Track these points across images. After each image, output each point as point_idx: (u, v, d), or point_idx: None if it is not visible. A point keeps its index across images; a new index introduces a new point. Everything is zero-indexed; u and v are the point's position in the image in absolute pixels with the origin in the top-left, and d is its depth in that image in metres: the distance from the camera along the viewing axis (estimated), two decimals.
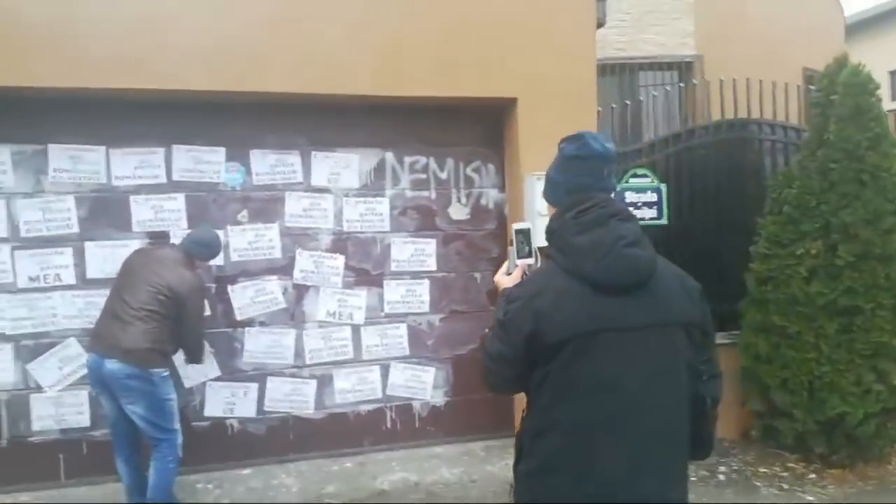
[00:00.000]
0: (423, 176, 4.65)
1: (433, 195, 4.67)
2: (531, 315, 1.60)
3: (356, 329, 4.56)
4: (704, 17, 8.11)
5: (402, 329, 4.64)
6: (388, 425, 4.66)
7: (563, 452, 1.62)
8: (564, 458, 1.61)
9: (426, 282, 4.67)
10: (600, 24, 4.55)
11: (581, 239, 1.63)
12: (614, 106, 5.10)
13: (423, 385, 4.69)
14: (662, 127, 5.87)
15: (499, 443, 4.76)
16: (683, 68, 7.83)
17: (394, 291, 4.61)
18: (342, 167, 4.48)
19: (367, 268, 4.56)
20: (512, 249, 1.93)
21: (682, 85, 5.80)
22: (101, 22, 3.74)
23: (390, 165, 4.58)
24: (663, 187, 4.75)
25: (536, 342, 1.60)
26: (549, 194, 1.83)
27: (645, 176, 4.75)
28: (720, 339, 4.86)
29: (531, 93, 4.37)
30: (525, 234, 1.92)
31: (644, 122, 5.44)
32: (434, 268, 4.68)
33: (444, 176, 4.68)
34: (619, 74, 7.66)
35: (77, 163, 4.04)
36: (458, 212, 4.72)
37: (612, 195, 1.77)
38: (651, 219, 4.74)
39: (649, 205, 4.75)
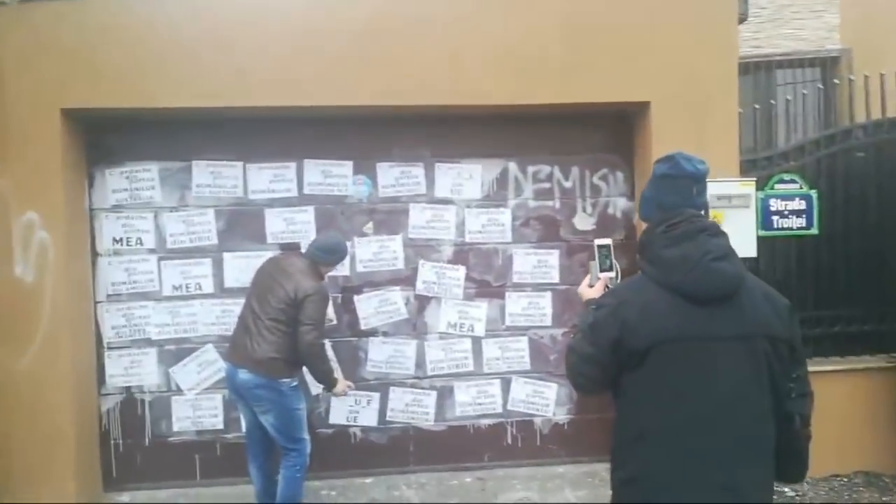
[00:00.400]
0: (547, 185, 4.50)
1: (557, 205, 4.51)
2: (618, 322, 1.72)
3: (477, 341, 4.48)
4: (851, 8, 7.38)
5: (524, 342, 4.51)
6: (509, 441, 4.54)
7: (654, 458, 1.71)
8: (656, 464, 1.71)
9: (549, 294, 4.51)
10: (742, 19, 4.20)
11: (670, 252, 1.74)
12: (757, 107, 4.71)
13: (545, 401, 4.53)
14: (806, 128, 5.37)
15: None
16: (828, 64, 7.16)
17: (515, 304, 4.49)
18: (465, 178, 4.43)
19: (488, 279, 4.48)
20: (594, 263, 2.14)
21: (836, 82, 5.26)
22: (239, 44, 3.91)
23: (513, 175, 4.47)
24: (814, 194, 4.31)
25: (623, 347, 1.72)
26: (643, 210, 1.95)
27: (793, 182, 4.34)
28: (881, 362, 4.38)
29: (665, 95, 4.11)
30: (607, 249, 2.13)
31: (786, 123, 4.98)
32: (557, 280, 4.51)
33: (568, 185, 4.51)
34: (752, 73, 7.14)
35: (217, 178, 4.26)
36: (584, 222, 4.53)
37: (703, 212, 1.84)
38: (799, 228, 4.31)
39: (797, 213, 4.32)
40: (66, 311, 3.86)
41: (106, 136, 4.19)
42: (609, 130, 4.49)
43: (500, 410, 4.51)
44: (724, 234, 1.79)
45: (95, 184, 4.19)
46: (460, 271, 4.44)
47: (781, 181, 4.35)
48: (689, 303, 1.69)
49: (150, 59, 3.86)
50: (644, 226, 1.88)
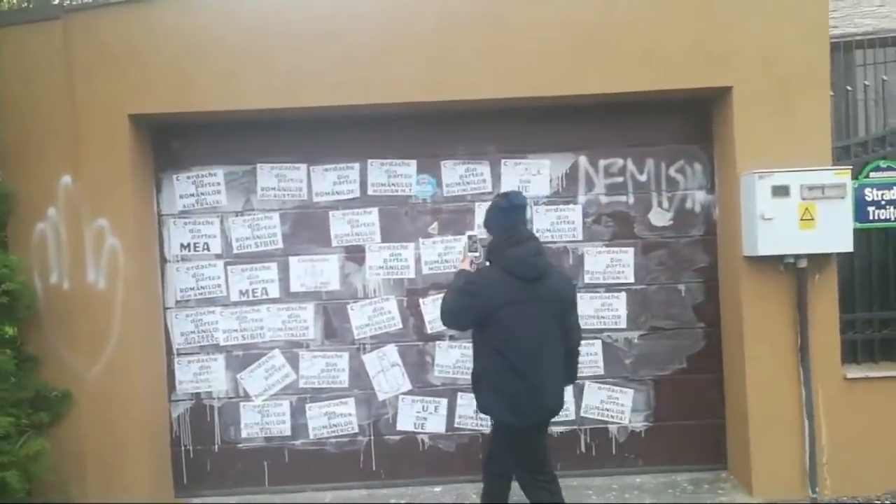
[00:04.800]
0: (620, 179, 4.28)
1: (631, 200, 4.28)
2: (482, 289, 3.03)
3: None
4: None
5: (597, 346, 4.30)
6: (583, 449, 4.33)
7: (505, 378, 3.00)
8: (507, 383, 2.99)
9: (623, 295, 4.29)
10: None
11: (512, 251, 3.03)
12: (849, 88, 4.36)
13: (620, 408, 4.30)
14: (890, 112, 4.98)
15: (709, 475, 4.26)
16: None
17: (587, 305, 4.27)
18: (532, 174, 4.25)
19: None
20: (465, 246, 3.51)
21: None
22: (301, 44, 3.84)
23: (583, 169, 4.27)
24: None
25: (483, 307, 3.00)
26: (492, 229, 3.20)
27: (890, 169, 3.99)
28: None
29: (749, 79, 3.83)
30: (474, 238, 3.44)
31: (871, 106, 4.60)
32: (632, 279, 4.28)
33: (643, 178, 4.28)
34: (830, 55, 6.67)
35: (281, 181, 4.22)
36: (660, 217, 4.28)
37: (527, 224, 3.37)
38: None
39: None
40: (136, 317, 3.87)
41: (172, 142, 4.20)
42: (686, 119, 4.23)
43: (572, 417, 4.31)
44: (536, 240, 3.15)
45: (163, 189, 4.21)
46: None
47: (878, 168, 4.02)
48: (520, 280, 2.99)
49: (216, 62, 3.83)
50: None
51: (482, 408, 3.19)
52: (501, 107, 4.05)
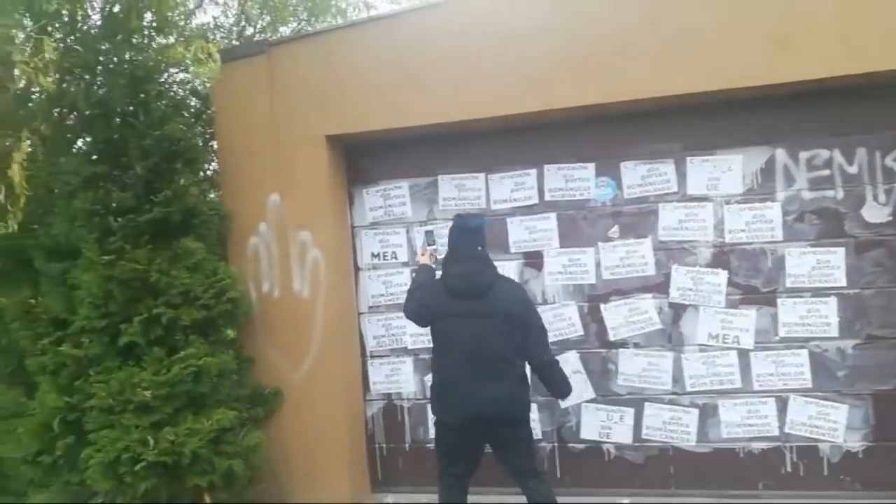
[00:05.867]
0: (826, 172, 3.86)
1: (839, 195, 3.85)
2: (428, 300, 3.41)
3: (744, 354, 3.98)
4: None
5: (803, 356, 3.91)
6: (788, 469, 3.96)
7: (445, 380, 3.35)
8: (446, 384, 3.34)
9: (833, 300, 3.86)
10: None
11: (453, 269, 3.34)
12: None
13: (832, 425, 3.88)
14: None
15: None
16: None
17: (790, 312, 3.91)
18: (722, 171, 3.97)
19: (755, 284, 3.97)
20: (423, 242, 3.85)
21: None
22: (473, 58, 3.93)
23: (781, 164, 3.91)
24: None
25: (427, 315, 3.44)
26: (448, 243, 3.46)
27: None
28: None
29: None
30: (431, 233, 3.84)
31: None
32: (843, 283, 3.84)
33: (853, 170, 3.83)
34: None
35: (461, 190, 4.34)
36: (875, 213, 3.81)
37: (479, 247, 3.38)
38: None
39: None
40: (335, 322, 4.20)
41: (361, 158, 4.49)
42: None
43: (775, 433, 3.96)
44: (481, 261, 3.34)
45: (355, 203, 4.51)
46: (721, 276, 3.99)
47: None
48: (454, 296, 3.28)
49: (396, 83, 4.04)
50: None
51: (435, 413, 3.47)
52: (686, 102, 3.84)
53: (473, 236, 3.36)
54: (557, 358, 3.51)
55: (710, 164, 3.99)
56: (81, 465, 3.52)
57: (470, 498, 3.50)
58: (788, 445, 3.96)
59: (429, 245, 3.67)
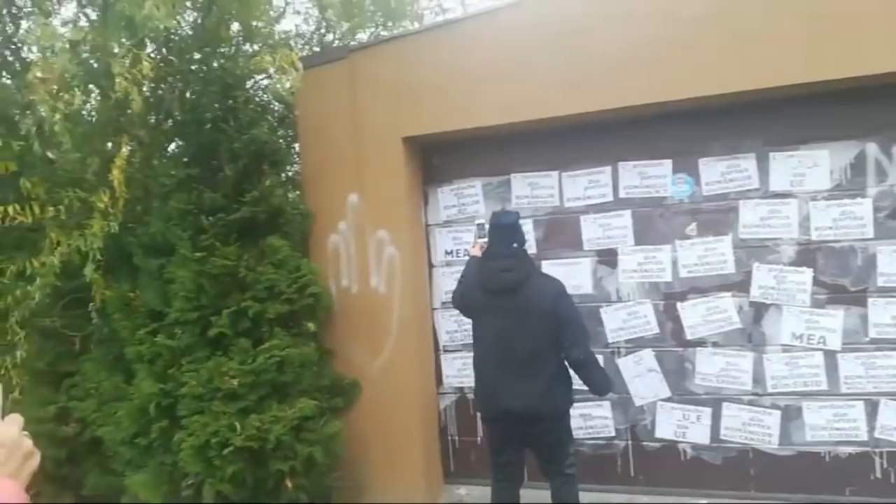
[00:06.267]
0: None
1: None
2: (467, 290, 3.55)
3: (830, 356, 3.84)
4: None
5: (895, 359, 3.74)
6: (878, 475, 3.80)
7: (478, 371, 3.50)
8: (479, 374, 3.50)
9: None
10: None
11: (486, 265, 3.42)
12: None
13: None
14: None
15: None
16: None
17: (882, 312, 3.74)
18: (807, 167, 3.83)
19: (843, 283, 3.82)
20: (475, 235, 3.82)
21: None
22: (559, 52, 3.93)
23: (873, 158, 3.74)
24: None
25: (466, 304, 3.59)
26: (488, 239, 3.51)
27: None
28: None
29: None
30: (482, 226, 3.72)
31: None
32: None
33: None
34: None
35: (534, 189, 4.36)
36: None
37: (515, 244, 3.35)
38: None
39: None
40: (410, 318, 4.31)
41: (434, 158, 4.58)
42: None
43: (864, 438, 3.81)
44: (515, 256, 3.32)
45: (429, 201, 4.61)
46: (806, 274, 3.86)
47: None
48: (487, 292, 3.34)
49: (473, 82, 4.08)
50: None
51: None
52: (768, 96, 3.72)
53: (507, 233, 3.34)
54: (598, 355, 3.61)
55: (795, 159, 3.86)
56: (174, 448, 3.74)
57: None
58: (878, 451, 3.80)
59: (480, 238, 3.71)
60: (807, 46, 3.49)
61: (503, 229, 3.35)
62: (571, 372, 3.38)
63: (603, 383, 3.39)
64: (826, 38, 3.46)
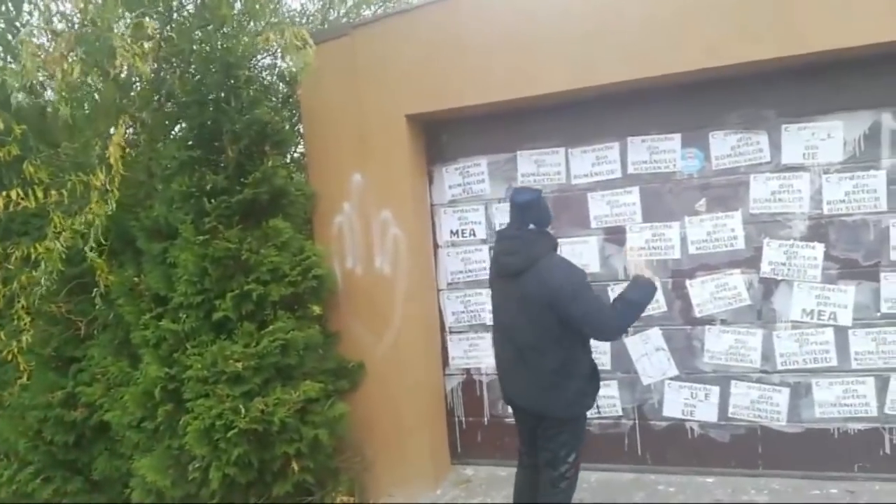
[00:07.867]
0: None
1: None
2: (490, 270, 3.46)
3: (841, 332, 3.80)
4: None
5: None
6: (888, 451, 3.78)
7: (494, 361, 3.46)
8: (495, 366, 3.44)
9: None
10: None
11: (496, 245, 3.27)
12: None
13: None
14: None
15: None
16: None
17: (894, 287, 3.69)
18: (820, 139, 3.75)
19: (855, 258, 3.76)
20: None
21: None
22: (546, 30, 3.84)
23: (888, 129, 3.65)
24: None
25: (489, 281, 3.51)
26: None
27: None
28: None
29: None
30: None
31: None
32: None
33: None
34: None
35: (540, 166, 4.29)
36: None
37: (531, 224, 3.07)
38: None
39: None
40: (415, 298, 4.26)
41: (441, 136, 4.50)
42: None
43: (874, 414, 3.78)
44: (519, 239, 3.05)
45: (434, 181, 4.55)
46: (817, 249, 3.80)
47: None
48: (498, 275, 3.20)
49: (477, 57, 3.99)
50: None
51: None
52: (780, 66, 3.63)
53: (519, 212, 3.06)
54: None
55: (808, 131, 3.78)
56: (180, 432, 3.75)
57: None
58: (888, 427, 3.77)
59: None
60: (818, 15, 3.39)
61: (516, 208, 3.06)
62: (589, 374, 3.09)
63: (646, 301, 3.06)
64: (839, 5, 3.35)
